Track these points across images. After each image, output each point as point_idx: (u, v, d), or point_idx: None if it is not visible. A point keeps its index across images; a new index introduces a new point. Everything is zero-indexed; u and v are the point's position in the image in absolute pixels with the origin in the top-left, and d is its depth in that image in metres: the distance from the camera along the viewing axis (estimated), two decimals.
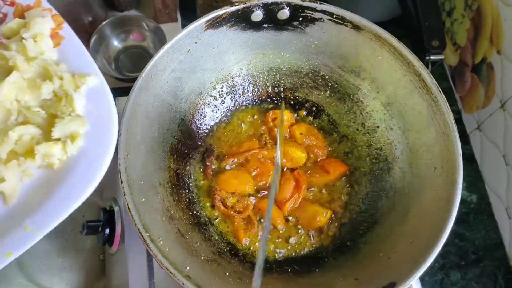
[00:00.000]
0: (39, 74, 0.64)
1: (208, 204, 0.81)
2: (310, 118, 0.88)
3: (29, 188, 0.60)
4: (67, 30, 0.69)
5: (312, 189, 0.83)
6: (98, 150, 0.61)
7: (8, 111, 0.61)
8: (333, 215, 0.81)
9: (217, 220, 0.80)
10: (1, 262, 0.55)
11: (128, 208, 0.64)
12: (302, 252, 0.78)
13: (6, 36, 0.67)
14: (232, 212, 0.79)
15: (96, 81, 0.66)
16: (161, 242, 0.64)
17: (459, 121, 1.02)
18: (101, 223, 0.80)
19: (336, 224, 0.80)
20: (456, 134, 0.70)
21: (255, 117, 0.88)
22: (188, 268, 0.64)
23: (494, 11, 0.91)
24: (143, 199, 0.67)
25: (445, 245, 0.65)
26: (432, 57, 0.89)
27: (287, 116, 0.85)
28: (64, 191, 0.58)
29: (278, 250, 0.78)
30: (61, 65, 0.66)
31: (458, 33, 1.04)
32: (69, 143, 0.60)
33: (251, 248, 0.78)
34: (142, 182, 0.69)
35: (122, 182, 0.65)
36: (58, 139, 0.61)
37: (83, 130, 0.62)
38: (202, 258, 0.70)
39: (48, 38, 0.66)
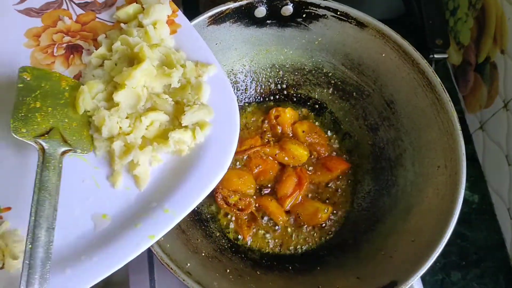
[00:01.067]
0: (162, 62, 0.65)
1: (208, 201, 0.80)
2: (313, 115, 0.88)
3: (160, 174, 0.60)
4: (182, 18, 0.68)
5: (314, 186, 0.82)
6: (224, 137, 0.62)
7: (138, 97, 0.61)
8: (334, 212, 0.80)
9: (219, 216, 0.80)
10: (143, 244, 0.55)
11: None
12: (303, 249, 0.78)
13: (121, 20, 0.68)
14: (234, 210, 0.79)
15: (215, 70, 0.66)
16: (162, 238, 0.64)
17: (461, 121, 1.00)
18: None
19: (337, 221, 0.80)
20: (460, 132, 0.70)
21: (258, 114, 0.87)
22: (188, 264, 0.64)
23: (498, 10, 0.90)
24: None
25: (446, 244, 0.64)
26: (435, 56, 0.88)
27: (290, 113, 0.85)
28: (196, 177, 0.59)
29: (279, 247, 0.78)
30: (181, 52, 0.66)
31: (461, 32, 1.03)
32: (198, 130, 0.61)
33: (253, 246, 0.78)
34: None
35: None
36: (186, 127, 0.61)
37: (210, 118, 0.62)
38: (203, 254, 0.70)
39: (166, 25, 0.66)
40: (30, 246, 0.50)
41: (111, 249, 0.55)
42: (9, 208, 0.57)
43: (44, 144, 0.55)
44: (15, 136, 0.55)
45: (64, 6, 0.68)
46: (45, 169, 0.54)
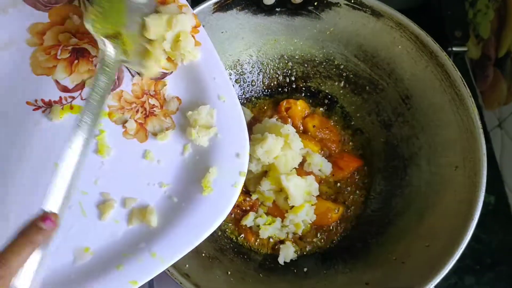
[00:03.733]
0: None
1: None
2: (323, 109, 0.85)
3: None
4: (203, 35, 0.62)
5: (324, 184, 0.80)
6: (227, 181, 0.57)
7: None
8: (344, 213, 0.78)
9: None
10: None
11: None
12: (309, 251, 0.76)
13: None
14: (238, 211, 0.77)
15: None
16: None
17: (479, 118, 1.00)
18: None
19: (347, 222, 0.78)
20: (481, 131, 0.67)
21: (266, 107, 0.85)
22: (187, 265, 0.62)
23: None
24: None
25: None
26: (454, 49, 0.85)
27: (302, 105, 0.83)
28: (192, 222, 0.56)
29: (284, 251, 0.75)
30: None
31: (481, 24, 1.00)
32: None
33: (256, 246, 0.76)
34: None
35: None
36: None
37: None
38: (203, 255, 0.68)
39: (191, 36, 0.61)
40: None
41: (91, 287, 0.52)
42: None
43: (109, 46, 0.54)
44: (89, 28, 0.54)
45: (76, 2, 0.62)
46: (102, 73, 0.53)
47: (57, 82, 0.60)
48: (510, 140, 0.92)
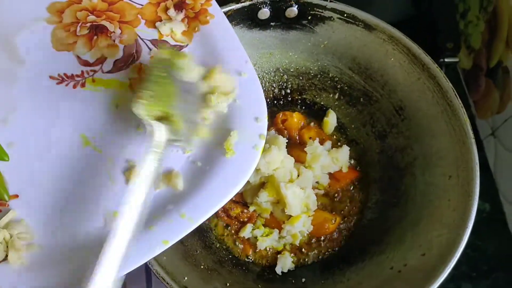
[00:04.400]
0: None
1: None
2: (318, 121, 0.86)
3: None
4: (215, 8, 0.66)
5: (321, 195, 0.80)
6: (249, 143, 0.59)
7: None
8: (341, 223, 0.78)
9: (219, 226, 0.78)
10: (157, 248, 0.53)
11: None
12: (307, 261, 0.76)
13: None
14: (236, 223, 0.77)
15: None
16: None
17: (472, 127, 1.00)
18: None
19: (343, 232, 0.78)
20: (473, 141, 0.67)
21: None
22: (186, 278, 0.62)
23: (511, 13, 0.87)
24: None
25: None
26: (446, 60, 0.87)
27: (298, 117, 0.83)
28: (217, 182, 0.57)
29: (282, 261, 0.75)
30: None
31: (472, 36, 1.01)
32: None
33: (254, 258, 0.76)
34: None
35: None
36: None
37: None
38: (202, 267, 0.68)
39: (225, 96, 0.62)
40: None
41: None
42: (16, 196, 0.56)
43: (160, 127, 0.54)
44: (139, 112, 0.53)
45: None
46: (150, 153, 0.53)
47: (78, 57, 0.62)
48: (503, 148, 0.93)
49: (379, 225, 0.76)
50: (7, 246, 0.53)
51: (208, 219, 0.75)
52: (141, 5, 0.65)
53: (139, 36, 0.64)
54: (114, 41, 0.63)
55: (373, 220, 0.78)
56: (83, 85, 0.61)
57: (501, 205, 0.94)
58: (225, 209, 0.76)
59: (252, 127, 0.60)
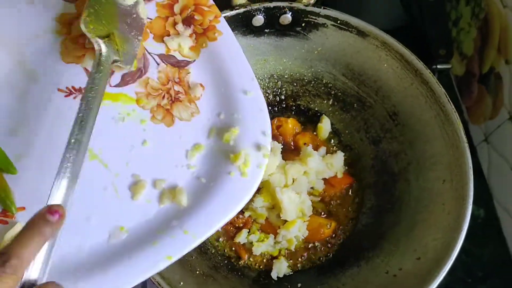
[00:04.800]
0: None
1: None
2: (312, 127, 0.86)
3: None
4: (224, 25, 0.68)
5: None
6: (254, 159, 0.61)
7: None
8: (336, 228, 0.78)
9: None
10: (161, 264, 0.54)
11: None
12: (302, 266, 0.76)
13: None
14: (231, 228, 0.77)
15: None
16: None
17: (465, 133, 1.00)
18: None
19: (339, 237, 0.78)
20: (466, 145, 0.68)
21: None
22: (182, 283, 0.62)
23: (502, 19, 0.88)
24: None
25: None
26: (439, 66, 0.87)
27: (293, 123, 0.84)
28: (220, 199, 0.58)
29: (277, 266, 0.75)
30: None
31: (464, 42, 1.02)
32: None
33: (250, 263, 0.76)
34: None
35: None
36: None
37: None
38: (197, 272, 0.68)
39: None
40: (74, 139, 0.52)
41: (127, 265, 0.53)
42: (23, 208, 0.56)
43: (103, 46, 0.58)
44: (84, 29, 0.57)
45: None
46: (98, 72, 0.56)
47: (86, 69, 0.62)
48: (496, 154, 0.93)
49: (374, 230, 0.76)
50: None
51: None
52: (150, 19, 0.66)
53: (146, 50, 0.65)
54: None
55: (368, 225, 0.78)
56: None
57: (495, 211, 0.94)
58: None
59: (256, 146, 0.61)
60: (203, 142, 0.61)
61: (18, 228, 0.54)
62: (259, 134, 0.62)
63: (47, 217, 0.45)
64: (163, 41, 0.65)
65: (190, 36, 0.66)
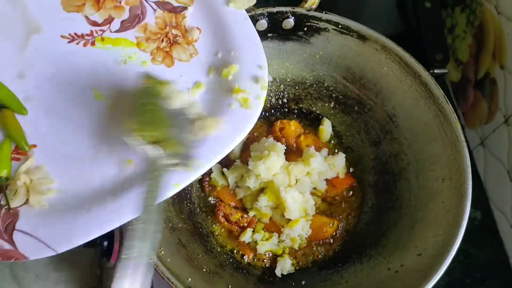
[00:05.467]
0: None
1: (209, 217, 0.79)
2: (314, 129, 0.87)
3: None
4: None
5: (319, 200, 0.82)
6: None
7: None
8: (339, 227, 0.79)
9: (217, 233, 0.79)
10: (168, 191, 0.56)
11: None
12: (306, 264, 0.77)
13: None
14: (236, 228, 0.78)
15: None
16: (162, 252, 0.63)
17: None
18: None
19: (341, 235, 0.79)
20: (464, 144, 0.69)
21: (261, 128, 0.87)
22: (189, 279, 0.63)
23: (496, 26, 0.90)
24: None
25: (450, 262, 0.64)
26: (435, 71, 0.89)
27: (295, 125, 0.85)
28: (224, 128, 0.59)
29: (281, 263, 0.76)
30: None
31: (460, 49, 1.04)
32: None
33: (254, 262, 0.77)
34: None
35: None
36: None
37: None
38: (204, 270, 0.69)
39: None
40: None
41: (136, 193, 0.55)
42: (34, 146, 0.58)
43: (151, 152, 0.55)
44: (131, 139, 0.55)
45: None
46: (151, 178, 0.54)
47: (87, 17, 0.65)
48: (492, 157, 0.94)
49: (376, 228, 0.77)
50: (27, 191, 0.56)
51: (208, 224, 0.78)
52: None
53: None
54: (120, 2, 0.66)
55: (369, 224, 0.79)
56: (93, 43, 0.64)
57: (492, 214, 0.96)
58: (225, 215, 0.77)
59: (254, 79, 0.64)
60: (203, 80, 0.64)
61: (30, 162, 0.57)
62: (255, 68, 0.64)
63: None
64: None
65: None
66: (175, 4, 0.68)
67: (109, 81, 0.62)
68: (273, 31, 0.79)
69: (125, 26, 0.66)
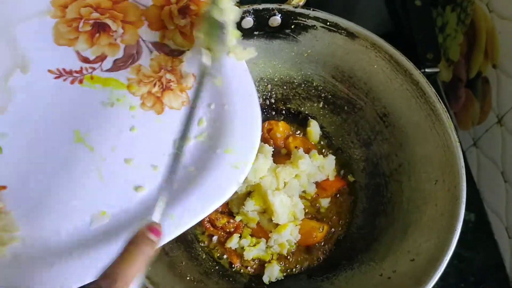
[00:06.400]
0: None
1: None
2: (303, 130, 0.86)
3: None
4: None
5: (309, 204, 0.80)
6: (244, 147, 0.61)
7: None
8: (329, 232, 0.78)
9: (205, 237, 0.77)
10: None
11: None
12: (295, 271, 0.75)
13: None
14: (222, 233, 0.75)
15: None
16: None
17: None
18: None
19: (331, 241, 0.78)
20: (458, 144, 0.68)
21: None
22: None
23: (488, 24, 0.89)
24: None
25: None
26: (427, 70, 0.88)
27: (283, 126, 0.83)
28: (208, 185, 0.57)
29: (269, 270, 0.74)
30: None
31: (451, 48, 1.03)
32: None
33: (241, 269, 0.75)
34: None
35: None
36: None
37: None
38: (188, 278, 0.66)
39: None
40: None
41: (107, 250, 0.52)
42: (4, 187, 0.55)
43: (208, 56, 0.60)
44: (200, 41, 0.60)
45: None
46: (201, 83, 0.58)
47: (78, 53, 0.62)
48: (485, 158, 0.93)
49: (367, 233, 0.75)
50: None
51: (193, 230, 0.75)
52: (146, 6, 0.65)
53: (141, 38, 0.64)
54: (115, 40, 0.63)
55: (361, 228, 0.77)
56: (81, 81, 0.61)
57: (486, 215, 0.94)
58: (211, 220, 0.75)
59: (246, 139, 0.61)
60: (193, 130, 0.61)
61: None
62: (248, 126, 0.62)
63: (149, 236, 0.45)
64: (157, 30, 0.65)
65: (186, 26, 0.65)
66: (173, 47, 0.65)
67: (93, 124, 0.59)
68: (260, 29, 0.77)
69: (117, 65, 0.62)
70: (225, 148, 0.59)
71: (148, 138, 0.59)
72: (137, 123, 0.60)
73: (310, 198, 0.80)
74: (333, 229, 0.78)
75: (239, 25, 0.75)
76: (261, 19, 0.75)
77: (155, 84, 0.62)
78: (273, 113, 0.86)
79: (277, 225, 0.74)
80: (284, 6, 0.74)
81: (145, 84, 0.62)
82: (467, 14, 0.96)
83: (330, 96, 0.83)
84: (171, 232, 0.54)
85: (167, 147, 0.59)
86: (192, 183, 0.57)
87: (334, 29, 0.75)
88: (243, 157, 0.59)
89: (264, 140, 0.81)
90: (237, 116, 0.62)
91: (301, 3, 0.75)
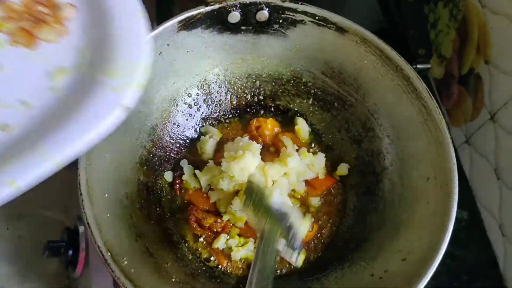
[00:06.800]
0: None
1: (181, 222, 0.75)
2: (292, 127, 0.84)
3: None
4: None
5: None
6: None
7: None
8: (319, 231, 0.76)
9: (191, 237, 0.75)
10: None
11: (88, 223, 0.58)
12: (283, 272, 0.73)
13: None
14: (209, 233, 0.74)
15: None
16: (126, 262, 0.59)
17: None
18: (64, 243, 0.75)
19: (321, 240, 0.76)
20: (449, 141, 0.67)
21: (236, 127, 0.84)
22: None
23: (480, 19, 0.88)
24: (108, 215, 0.62)
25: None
26: (418, 66, 0.87)
27: (272, 123, 0.82)
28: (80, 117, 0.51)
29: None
30: None
31: (443, 44, 1.02)
32: None
33: (229, 270, 0.73)
34: (107, 195, 0.64)
35: (81, 194, 0.59)
36: None
37: None
38: (173, 280, 0.65)
39: None
40: None
41: None
42: None
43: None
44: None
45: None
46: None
47: None
48: (478, 155, 0.93)
49: (358, 232, 0.74)
50: None
51: (179, 230, 0.73)
52: None
53: None
54: None
55: (351, 227, 0.76)
56: None
57: (479, 213, 0.94)
58: (197, 219, 0.73)
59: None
60: (68, 64, 0.56)
61: None
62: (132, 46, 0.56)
63: None
64: None
65: None
66: None
67: None
68: (247, 24, 0.76)
69: None
70: (106, 72, 0.54)
71: (20, 76, 0.55)
72: (6, 60, 0.55)
73: (299, 196, 0.78)
74: (323, 229, 0.77)
75: (225, 20, 0.74)
76: (248, 13, 0.74)
77: (26, 19, 0.58)
78: (262, 110, 0.85)
79: None
80: (272, 0, 0.73)
81: (14, 20, 0.58)
82: (459, 9, 0.95)
83: (319, 93, 0.82)
84: (40, 166, 0.47)
85: (42, 82, 0.54)
86: (67, 114, 0.51)
87: (323, 23, 0.74)
88: (124, 79, 0.53)
89: (252, 137, 0.79)
90: (120, 37, 0.56)
91: None
